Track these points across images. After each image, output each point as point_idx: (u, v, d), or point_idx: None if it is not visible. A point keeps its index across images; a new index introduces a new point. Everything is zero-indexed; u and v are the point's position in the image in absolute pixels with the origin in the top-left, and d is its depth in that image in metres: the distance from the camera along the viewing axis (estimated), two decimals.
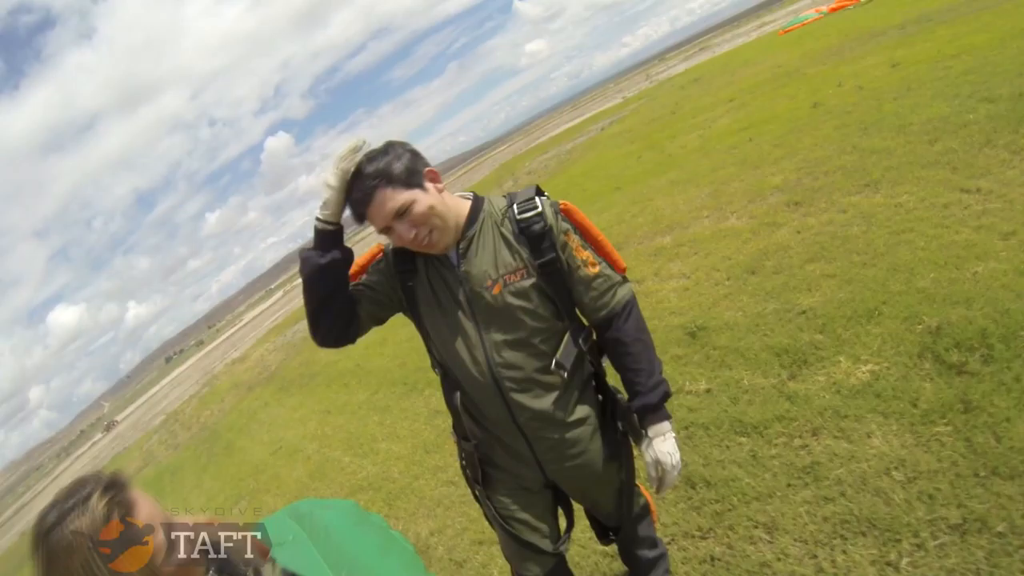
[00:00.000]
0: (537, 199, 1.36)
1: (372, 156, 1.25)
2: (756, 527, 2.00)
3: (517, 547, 1.61)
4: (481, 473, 1.56)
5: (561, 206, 1.38)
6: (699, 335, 3.38)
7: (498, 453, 1.53)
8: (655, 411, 1.42)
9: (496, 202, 1.41)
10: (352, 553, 2.08)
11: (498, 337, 1.36)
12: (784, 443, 2.29)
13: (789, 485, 2.10)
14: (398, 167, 1.24)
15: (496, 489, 1.57)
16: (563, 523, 1.65)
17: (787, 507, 2.01)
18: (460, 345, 1.39)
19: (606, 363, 1.54)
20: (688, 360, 3.21)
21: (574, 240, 1.37)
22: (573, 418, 1.45)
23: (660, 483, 1.43)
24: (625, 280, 1.44)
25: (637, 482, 1.66)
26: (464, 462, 1.61)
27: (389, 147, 1.28)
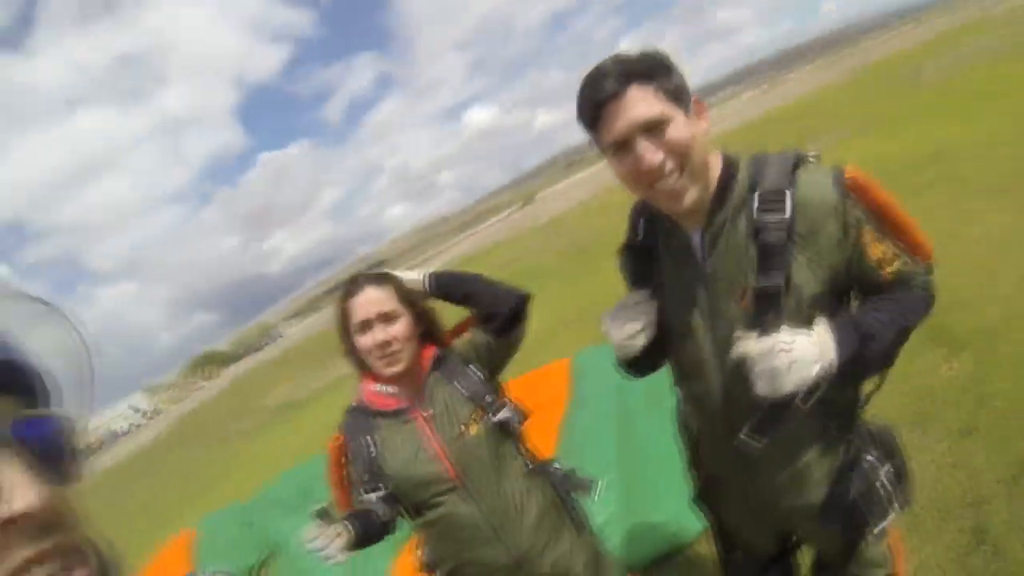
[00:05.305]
0: (821, 179, 0.94)
1: (624, 56, 0.96)
2: None
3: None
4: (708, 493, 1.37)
5: (848, 180, 0.95)
6: None
7: (721, 489, 1.31)
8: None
9: (744, 170, 1.02)
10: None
11: (740, 363, 1.00)
12: None
13: None
14: (665, 71, 0.94)
15: (719, 510, 1.37)
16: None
17: None
18: (692, 362, 1.11)
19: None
20: None
21: (869, 234, 0.96)
22: (805, 463, 1.11)
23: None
24: (929, 271, 1.02)
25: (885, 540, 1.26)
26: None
27: (654, 52, 0.97)
